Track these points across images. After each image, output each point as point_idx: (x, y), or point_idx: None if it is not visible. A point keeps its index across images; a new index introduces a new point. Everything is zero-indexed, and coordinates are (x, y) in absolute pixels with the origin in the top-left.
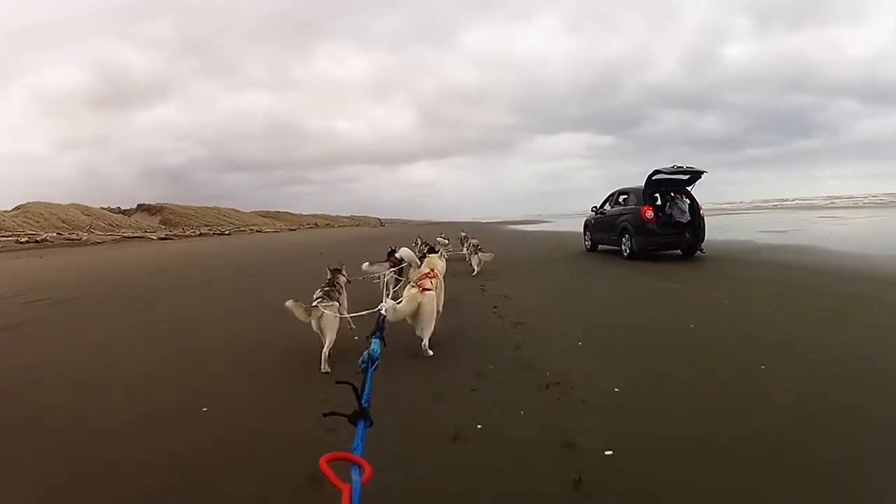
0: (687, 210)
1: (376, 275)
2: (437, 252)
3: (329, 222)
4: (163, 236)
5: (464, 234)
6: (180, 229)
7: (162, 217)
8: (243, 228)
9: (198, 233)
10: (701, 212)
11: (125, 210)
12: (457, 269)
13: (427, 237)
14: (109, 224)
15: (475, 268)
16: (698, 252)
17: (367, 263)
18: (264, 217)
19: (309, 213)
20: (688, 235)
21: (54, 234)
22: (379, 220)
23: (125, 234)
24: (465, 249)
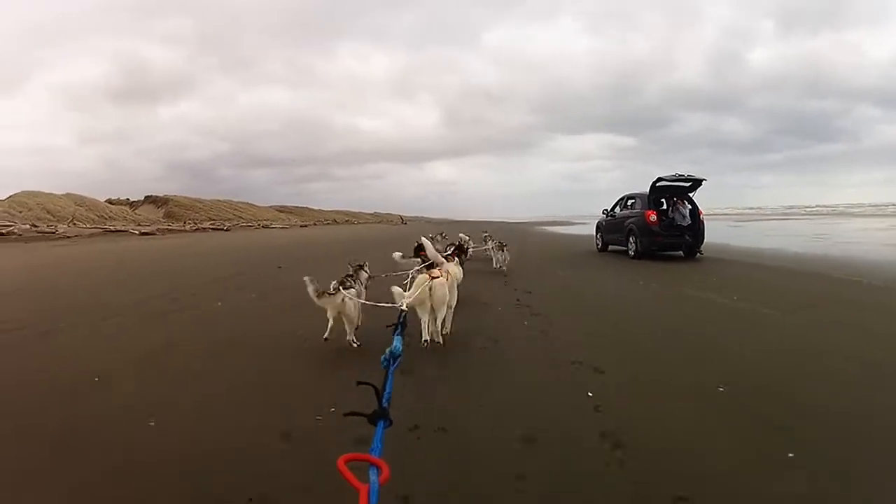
0: (688, 214)
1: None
2: (465, 250)
3: (349, 219)
4: (146, 231)
5: (486, 234)
6: (181, 223)
7: (167, 210)
8: (250, 224)
9: (195, 227)
10: (701, 216)
11: (133, 201)
12: (483, 268)
13: (448, 235)
14: (100, 216)
15: (502, 264)
16: (698, 254)
17: (400, 254)
18: (281, 212)
19: (331, 210)
20: (688, 238)
21: (27, 227)
22: (400, 217)
23: (108, 228)
24: (489, 246)
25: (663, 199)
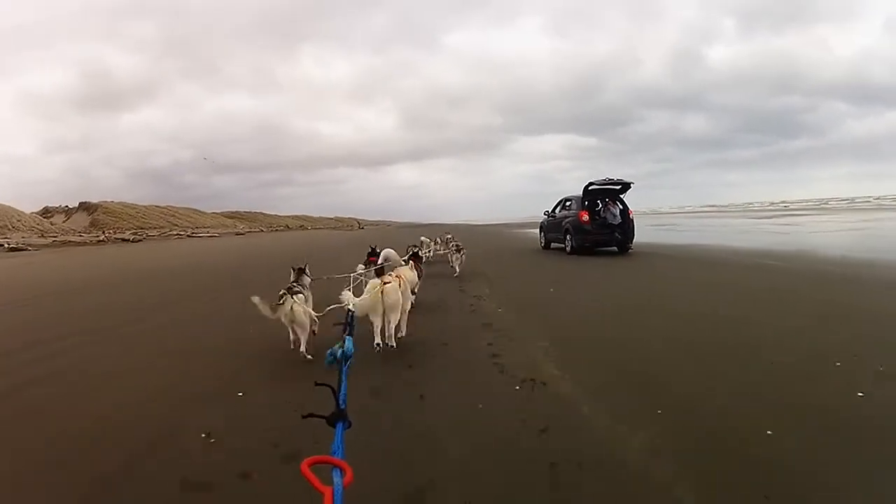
0: (618, 214)
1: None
2: (420, 256)
3: (303, 224)
4: (15, 247)
5: (449, 236)
6: (100, 232)
7: (93, 218)
8: (183, 232)
9: (99, 239)
10: (631, 215)
11: (70, 209)
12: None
13: (407, 239)
14: (5, 226)
15: (456, 267)
16: (628, 249)
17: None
18: (231, 218)
19: (288, 215)
20: (618, 235)
21: None
22: (357, 221)
23: None
24: (450, 248)
25: (598, 201)
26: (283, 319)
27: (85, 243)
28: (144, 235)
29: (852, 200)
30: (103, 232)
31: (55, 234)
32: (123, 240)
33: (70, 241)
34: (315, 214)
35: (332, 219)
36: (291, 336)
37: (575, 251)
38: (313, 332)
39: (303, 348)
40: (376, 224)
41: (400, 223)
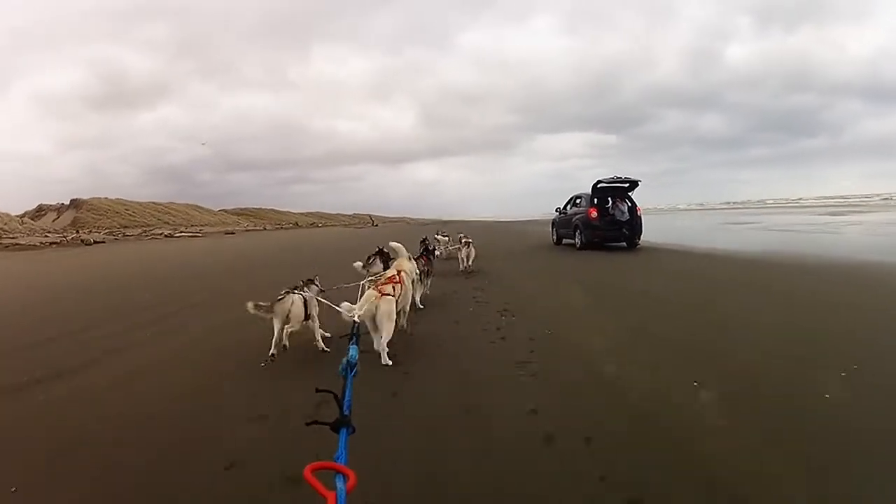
0: (626, 211)
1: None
2: (432, 251)
3: (316, 221)
4: None
5: (461, 234)
6: (72, 231)
7: (76, 216)
8: (159, 234)
9: (52, 241)
10: (639, 212)
11: (63, 206)
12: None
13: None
14: None
15: (467, 263)
16: (636, 245)
17: (360, 264)
18: (238, 215)
19: (303, 212)
20: (626, 231)
21: None
22: (370, 217)
23: None
24: (459, 246)
25: (608, 198)
26: (277, 320)
27: (32, 246)
28: (121, 235)
29: (870, 197)
30: (77, 231)
31: (14, 236)
32: (83, 241)
33: (16, 245)
34: (332, 211)
35: (349, 216)
36: (275, 339)
37: (584, 246)
38: (324, 349)
39: (320, 345)
40: (394, 221)
41: (422, 220)
